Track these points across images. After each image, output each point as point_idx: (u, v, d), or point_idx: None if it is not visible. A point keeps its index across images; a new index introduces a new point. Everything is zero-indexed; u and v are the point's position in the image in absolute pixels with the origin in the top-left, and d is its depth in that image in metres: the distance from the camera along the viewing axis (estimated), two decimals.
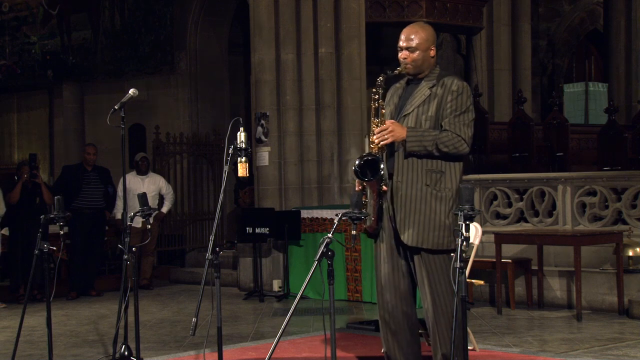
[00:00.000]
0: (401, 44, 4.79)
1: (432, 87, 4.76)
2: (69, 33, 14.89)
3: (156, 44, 13.67)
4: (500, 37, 14.01)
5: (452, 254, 4.43)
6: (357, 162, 4.67)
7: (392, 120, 4.73)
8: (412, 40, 4.75)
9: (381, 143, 4.68)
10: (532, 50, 14.88)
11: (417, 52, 4.75)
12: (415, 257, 4.79)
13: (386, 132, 4.66)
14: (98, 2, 14.40)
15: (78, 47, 14.74)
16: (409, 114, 4.76)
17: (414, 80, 4.86)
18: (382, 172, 4.63)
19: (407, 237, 4.73)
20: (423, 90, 4.77)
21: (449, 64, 14.39)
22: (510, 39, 14.13)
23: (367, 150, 4.88)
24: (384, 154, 4.73)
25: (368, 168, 4.65)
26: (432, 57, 4.79)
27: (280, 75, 10.39)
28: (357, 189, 4.78)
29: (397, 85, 4.95)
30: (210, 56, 13.70)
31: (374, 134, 4.71)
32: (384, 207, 4.80)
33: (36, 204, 10.14)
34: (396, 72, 4.82)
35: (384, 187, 4.71)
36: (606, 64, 15.67)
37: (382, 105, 4.78)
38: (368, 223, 4.81)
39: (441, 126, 4.70)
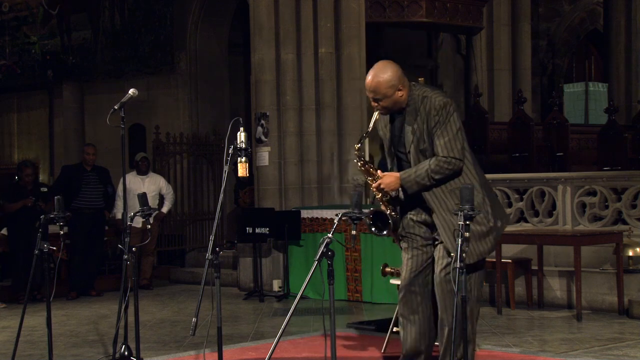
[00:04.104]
0: (367, 93, 4.89)
1: (416, 117, 4.80)
2: (69, 33, 14.88)
3: (156, 44, 13.66)
4: (500, 37, 14.01)
5: (452, 254, 4.44)
6: (368, 223, 4.88)
7: (382, 174, 4.88)
8: (376, 92, 4.81)
9: (384, 199, 4.92)
10: (532, 50, 14.89)
11: (385, 99, 4.82)
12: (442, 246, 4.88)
13: (383, 188, 4.87)
14: (98, 2, 14.39)
15: (78, 47, 14.73)
16: (408, 152, 4.88)
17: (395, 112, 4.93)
18: (391, 222, 4.89)
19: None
20: (408, 127, 4.85)
21: (449, 64, 14.41)
22: (510, 39, 14.13)
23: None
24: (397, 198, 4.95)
25: (379, 220, 4.93)
26: (401, 95, 4.82)
27: (280, 75, 10.39)
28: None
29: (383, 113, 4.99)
30: (210, 56, 13.69)
31: (375, 190, 4.93)
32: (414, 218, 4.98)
33: (35, 227, 9.98)
34: (371, 126, 4.97)
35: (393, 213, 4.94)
36: (606, 64, 15.68)
37: (371, 167, 4.96)
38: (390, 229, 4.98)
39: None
